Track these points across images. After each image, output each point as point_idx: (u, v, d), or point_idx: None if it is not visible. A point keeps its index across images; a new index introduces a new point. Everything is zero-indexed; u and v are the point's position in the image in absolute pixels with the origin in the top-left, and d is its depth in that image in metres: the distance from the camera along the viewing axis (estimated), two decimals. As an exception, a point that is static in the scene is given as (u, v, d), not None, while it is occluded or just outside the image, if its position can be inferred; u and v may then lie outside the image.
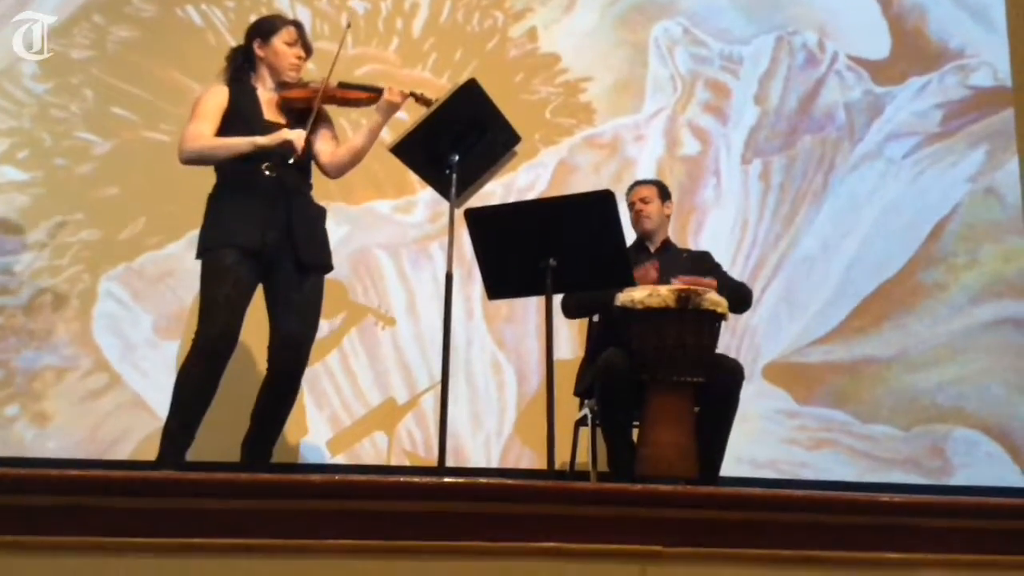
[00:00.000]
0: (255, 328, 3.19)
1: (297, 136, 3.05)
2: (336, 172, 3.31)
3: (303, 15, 4.42)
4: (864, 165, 4.87)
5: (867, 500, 2.29)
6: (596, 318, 3.75)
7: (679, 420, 3.23)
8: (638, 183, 3.91)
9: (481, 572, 1.98)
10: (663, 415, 3.24)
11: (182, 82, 4.40)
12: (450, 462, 3.17)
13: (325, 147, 3.28)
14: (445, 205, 3.07)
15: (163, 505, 1.98)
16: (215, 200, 3.14)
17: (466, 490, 2.07)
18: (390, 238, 4.48)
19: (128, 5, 4.51)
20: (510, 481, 2.17)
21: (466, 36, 4.73)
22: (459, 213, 3.02)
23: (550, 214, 3.01)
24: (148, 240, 4.29)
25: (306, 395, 4.17)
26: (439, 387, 2.89)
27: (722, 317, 3.33)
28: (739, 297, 3.60)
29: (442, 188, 3.09)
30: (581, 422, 3.72)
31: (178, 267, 4.21)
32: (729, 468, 3.47)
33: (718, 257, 3.90)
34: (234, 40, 3.90)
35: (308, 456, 4.20)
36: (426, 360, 4.33)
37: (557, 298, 3.31)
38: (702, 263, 3.76)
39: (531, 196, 4.41)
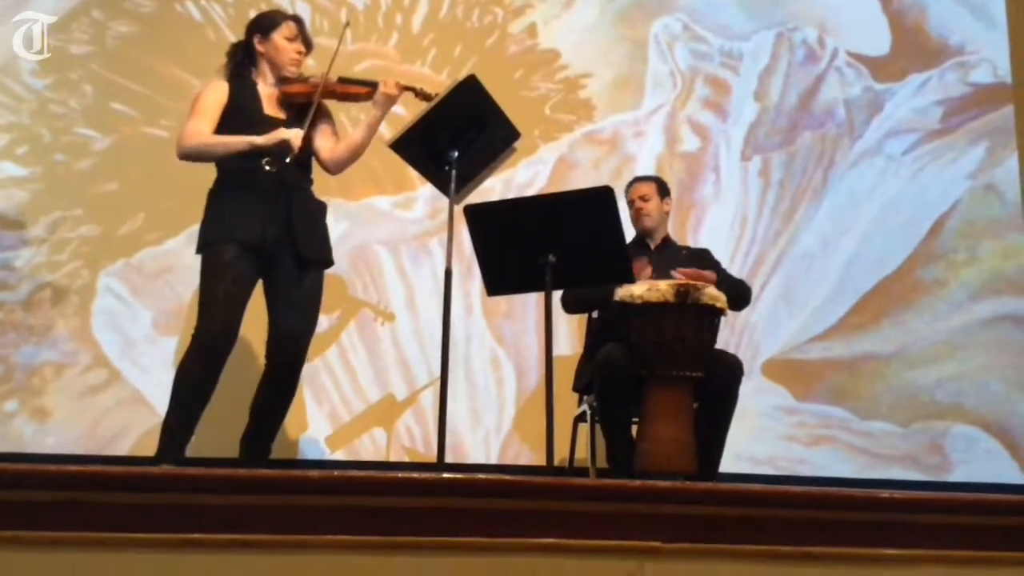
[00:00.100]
0: (255, 324, 3.19)
1: (294, 135, 3.04)
2: (336, 167, 3.31)
3: (303, 11, 4.41)
4: (864, 162, 4.87)
5: (865, 496, 2.30)
6: (595, 314, 3.75)
7: (678, 415, 3.23)
8: (637, 179, 3.91)
9: (480, 568, 1.98)
10: (662, 410, 3.24)
11: (181, 78, 4.40)
12: (449, 458, 3.17)
13: (325, 143, 3.28)
14: (444, 201, 3.07)
15: (162, 501, 1.98)
16: (215, 195, 3.14)
17: (465, 486, 2.07)
18: (389, 234, 4.48)
19: (128, 0, 4.51)
20: (509, 477, 2.17)
21: (466, 32, 4.72)
22: (458, 209, 3.02)
23: (549, 210, 3.01)
24: (147, 236, 4.29)
25: (305, 391, 4.17)
26: (438, 383, 2.89)
27: (721, 312, 3.33)
28: (738, 294, 3.60)
29: (441, 184, 3.09)
30: (580, 418, 3.72)
31: (177, 263, 4.21)
32: (728, 464, 3.48)
33: (717, 254, 3.91)
34: (233, 36, 3.90)
35: (307, 452, 4.20)
36: (425, 356, 4.33)
37: (556, 294, 3.31)
38: (701, 260, 3.76)
39: (530, 192, 4.42)
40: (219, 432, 3.20)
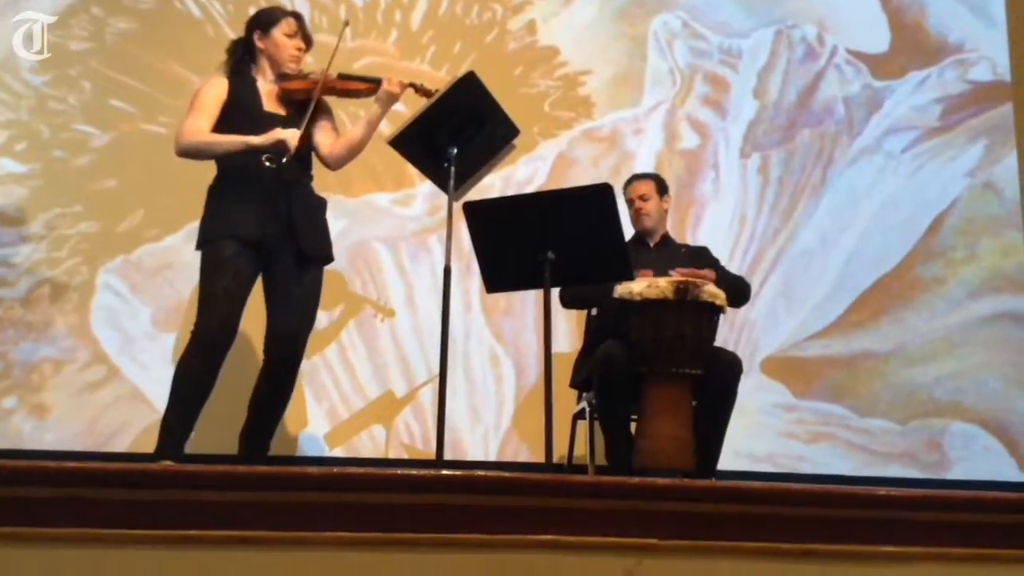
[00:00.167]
0: (254, 320, 3.19)
1: (290, 135, 3.04)
2: (336, 164, 3.31)
3: (302, 8, 4.41)
4: (863, 159, 4.87)
5: (864, 494, 2.30)
6: (594, 311, 3.75)
7: (677, 412, 3.24)
8: (635, 177, 3.91)
9: (478, 565, 1.98)
10: (661, 407, 3.24)
11: (181, 74, 4.40)
12: (448, 455, 3.18)
13: (325, 139, 3.28)
14: (444, 198, 3.07)
15: (161, 497, 1.98)
16: (215, 191, 3.15)
17: (464, 483, 2.07)
18: (389, 231, 4.48)
19: (127, -3, 4.51)
20: (507, 474, 2.17)
21: (465, 29, 4.72)
22: (458, 206, 3.02)
23: (549, 207, 3.01)
24: (146, 232, 4.29)
25: (305, 388, 4.18)
26: (437, 380, 2.89)
27: (720, 310, 3.33)
28: (737, 290, 3.61)
29: (441, 181, 3.09)
30: (579, 415, 3.72)
31: (176, 259, 4.21)
32: (727, 462, 3.48)
33: (716, 251, 3.91)
34: (232, 32, 3.90)
35: (306, 449, 4.20)
36: (424, 353, 4.33)
37: (555, 291, 3.31)
38: (700, 258, 3.76)
39: (530, 189, 4.42)
40: (218, 428, 3.20)
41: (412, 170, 3.54)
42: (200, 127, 3.09)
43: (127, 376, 4.16)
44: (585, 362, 3.60)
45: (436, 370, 3.04)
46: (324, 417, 4.25)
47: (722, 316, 3.40)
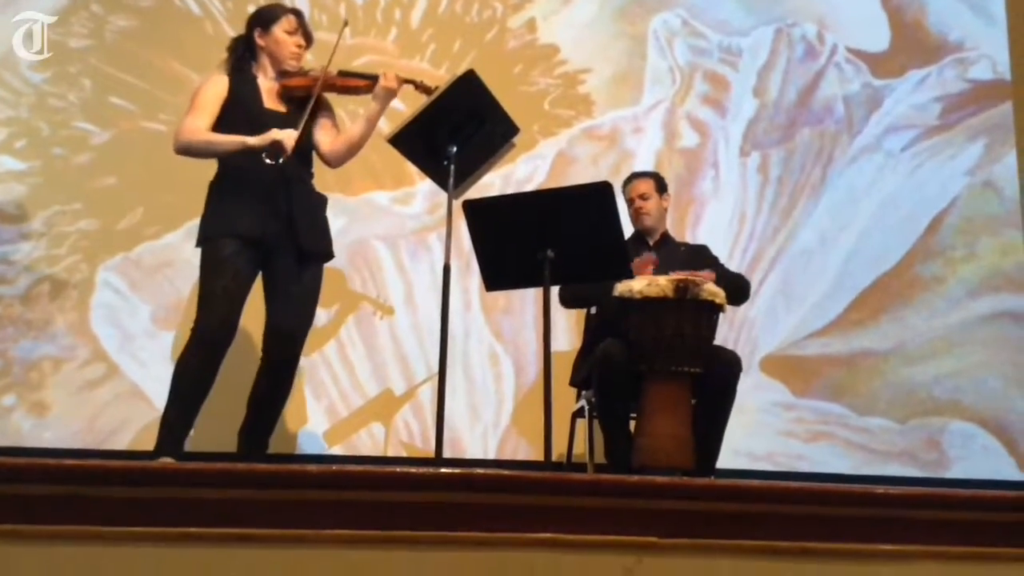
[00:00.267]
0: (254, 317, 3.19)
1: (287, 136, 3.03)
2: (336, 161, 3.31)
3: (301, 5, 4.41)
4: (862, 158, 4.87)
5: (863, 492, 2.30)
6: (594, 309, 3.75)
7: (676, 410, 3.24)
8: (634, 176, 3.91)
9: (477, 563, 1.98)
10: (661, 405, 3.24)
11: (180, 72, 4.39)
12: (447, 453, 3.18)
13: (325, 136, 3.28)
14: (443, 196, 3.07)
15: (161, 495, 1.98)
16: (216, 188, 3.15)
17: (463, 481, 2.07)
18: (388, 229, 4.48)
19: (126, -6, 4.51)
20: (506, 472, 2.17)
21: (464, 27, 4.72)
22: (457, 204, 3.02)
23: (548, 206, 3.01)
24: (146, 230, 4.29)
25: (304, 386, 4.18)
26: (436, 378, 2.89)
27: (720, 308, 3.33)
28: (737, 288, 3.61)
29: (440, 179, 3.09)
30: (578, 413, 3.73)
31: (176, 257, 4.21)
32: (726, 460, 3.48)
33: (716, 250, 3.91)
34: (232, 30, 3.90)
35: (305, 446, 4.20)
36: (424, 351, 4.33)
37: (555, 289, 3.31)
38: (700, 256, 3.76)
39: (529, 188, 4.42)
40: (218, 426, 3.20)
41: (412, 168, 3.54)
42: (199, 125, 3.09)
43: (126, 374, 4.16)
44: (585, 361, 3.60)
45: (435, 368, 3.04)
46: (323, 415, 4.25)
47: (721, 315, 3.40)
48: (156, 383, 3.89)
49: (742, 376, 3.42)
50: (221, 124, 3.11)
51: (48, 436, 4.06)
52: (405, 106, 3.70)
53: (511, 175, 4.52)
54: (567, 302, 3.71)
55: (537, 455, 3.99)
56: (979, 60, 5.04)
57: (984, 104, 4.98)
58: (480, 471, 2.17)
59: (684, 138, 4.78)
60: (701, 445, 3.27)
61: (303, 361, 3.21)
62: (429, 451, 4.04)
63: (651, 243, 3.79)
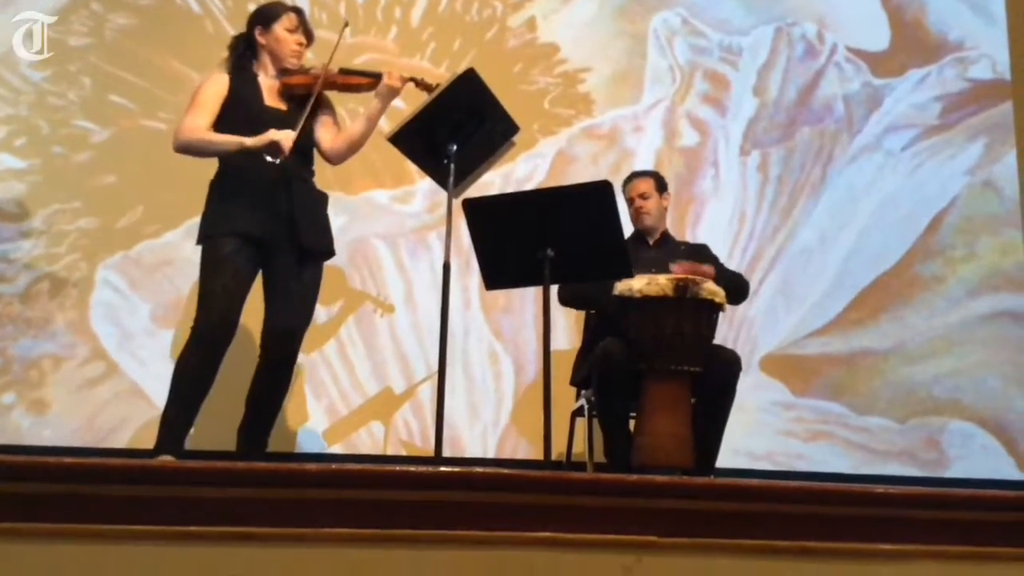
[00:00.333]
0: (254, 315, 3.19)
1: (284, 136, 3.02)
2: (337, 159, 3.31)
3: (301, 3, 4.40)
4: (862, 157, 4.87)
5: (862, 492, 2.30)
6: (593, 310, 3.75)
7: (676, 409, 3.24)
8: (634, 175, 3.90)
9: (477, 561, 1.98)
10: (660, 404, 3.24)
11: (180, 70, 4.39)
12: (447, 452, 3.18)
13: (326, 134, 3.28)
14: (443, 195, 3.07)
15: (160, 493, 1.98)
16: (217, 186, 3.15)
17: (462, 480, 2.07)
18: (388, 228, 4.47)
19: (126, -8, 4.51)
20: (506, 471, 2.17)
21: (465, 25, 4.72)
22: (457, 203, 3.02)
23: (548, 204, 3.01)
24: (146, 228, 4.29)
25: (304, 384, 4.18)
26: (436, 377, 2.89)
27: (720, 307, 3.33)
28: (736, 287, 3.61)
29: (440, 178, 3.09)
30: (578, 412, 3.72)
31: (175, 256, 4.21)
32: (725, 459, 3.48)
33: (715, 249, 3.91)
34: (232, 28, 3.90)
35: (305, 445, 4.20)
36: (423, 350, 4.33)
37: (554, 288, 3.31)
38: (700, 255, 3.76)
39: (529, 186, 4.42)
40: (218, 425, 3.20)
41: (412, 167, 3.54)
42: (198, 125, 3.08)
43: (126, 372, 4.16)
44: (585, 360, 3.60)
45: (435, 367, 3.04)
46: (323, 413, 4.25)
47: (721, 314, 3.40)
48: (155, 381, 3.89)
49: (742, 375, 3.42)
50: (222, 122, 3.11)
51: (48, 434, 4.06)
52: (405, 104, 3.70)
53: (511, 174, 4.52)
54: (567, 301, 3.70)
55: (537, 454, 3.99)
56: (979, 59, 5.03)
57: (984, 104, 4.98)
58: (479, 470, 2.18)
59: (684, 137, 4.78)
60: (701, 444, 3.26)
61: (303, 359, 3.21)
62: (429, 450, 4.04)
63: (651, 242, 3.79)
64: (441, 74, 4.42)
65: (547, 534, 2.01)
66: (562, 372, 3.59)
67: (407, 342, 4.36)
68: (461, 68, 3.15)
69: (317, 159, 3.31)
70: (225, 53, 3.31)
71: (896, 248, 4.78)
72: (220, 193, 3.12)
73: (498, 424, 4.36)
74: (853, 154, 4.87)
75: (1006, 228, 4.87)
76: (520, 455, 4.29)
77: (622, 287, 3.28)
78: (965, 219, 4.85)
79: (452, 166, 3.01)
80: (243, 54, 3.26)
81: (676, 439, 3.21)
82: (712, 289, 3.28)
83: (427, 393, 4.29)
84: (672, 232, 3.95)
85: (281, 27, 3.25)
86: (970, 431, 4.61)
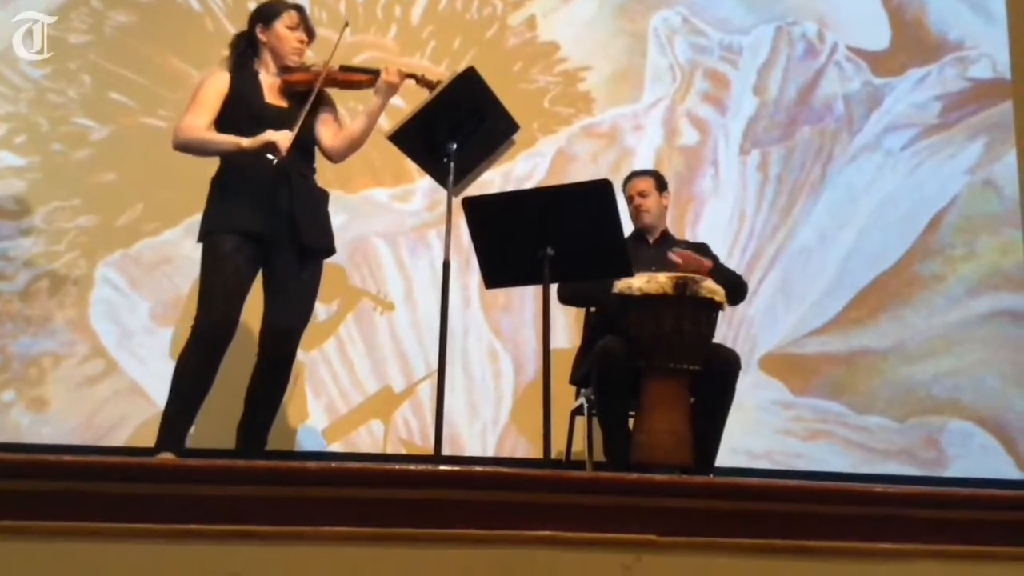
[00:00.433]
0: (255, 314, 3.19)
1: (281, 137, 3.02)
2: (337, 156, 3.31)
3: (301, 0, 4.40)
4: (862, 156, 4.87)
5: (861, 491, 2.30)
6: (593, 308, 3.75)
7: (675, 407, 3.24)
8: (634, 174, 3.90)
9: (476, 560, 1.98)
10: (659, 402, 3.24)
11: (180, 68, 4.39)
12: (446, 451, 3.17)
13: (327, 131, 3.28)
14: (443, 193, 3.07)
15: (160, 491, 1.98)
16: (217, 184, 3.15)
17: (461, 478, 2.07)
18: (388, 226, 4.47)
19: (126, -10, 4.51)
20: (505, 470, 2.17)
21: (465, 24, 4.72)
22: (457, 202, 3.02)
23: (548, 203, 3.01)
24: (145, 226, 4.29)
25: (303, 383, 4.18)
26: (436, 375, 2.89)
27: (719, 306, 3.33)
28: (734, 287, 3.60)
29: (440, 176, 3.09)
30: (577, 411, 3.72)
31: (175, 254, 4.21)
32: (724, 458, 3.48)
33: (715, 248, 3.91)
34: (232, 26, 3.90)
35: (305, 444, 4.20)
36: (423, 348, 4.33)
37: (554, 287, 3.31)
38: (700, 254, 3.75)
39: (529, 185, 4.41)
40: (218, 423, 3.20)
41: (411, 165, 3.54)
42: (197, 123, 3.08)
43: (125, 370, 4.16)
44: (584, 358, 3.60)
45: (435, 365, 3.05)
46: (323, 412, 4.25)
47: (721, 313, 3.40)
48: (155, 379, 3.89)
49: (741, 374, 3.42)
50: (223, 120, 3.11)
51: (47, 432, 4.06)
52: (405, 102, 3.70)
53: (511, 172, 4.52)
54: (566, 300, 3.70)
55: (536, 452, 3.99)
56: (979, 59, 5.03)
57: (984, 103, 4.98)
58: (479, 468, 2.18)
59: (684, 136, 4.77)
60: (700, 443, 3.26)
61: (303, 357, 3.22)
62: (428, 448, 4.04)
63: (651, 241, 3.79)
64: (441, 72, 4.41)
65: (546, 533, 2.01)
66: (562, 371, 3.59)
67: (407, 340, 4.36)
68: (461, 67, 3.15)
69: (318, 156, 3.31)
70: (225, 51, 3.32)
71: (896, 247, 4.78)
72: (221, 190, 3.12)
73: (497, 423, 4.36)
74: (853, 153, 4.87)
75: (1006, 227, 4.87)
76: (519, 454, 4.29)
77: (622, 285, 3.28)
78: (965, 218, 4.85)
79: (452, 164, 3.01)
80: (244, 52, 3.26)
81: (675, 437, 3.21)
82: (712, 288, 3.28)
83: (427, 391, 4.29)
84: (672, 231, 3.95)
85: (282, 24, 3.25)
86: (969, 430, 4.61)
